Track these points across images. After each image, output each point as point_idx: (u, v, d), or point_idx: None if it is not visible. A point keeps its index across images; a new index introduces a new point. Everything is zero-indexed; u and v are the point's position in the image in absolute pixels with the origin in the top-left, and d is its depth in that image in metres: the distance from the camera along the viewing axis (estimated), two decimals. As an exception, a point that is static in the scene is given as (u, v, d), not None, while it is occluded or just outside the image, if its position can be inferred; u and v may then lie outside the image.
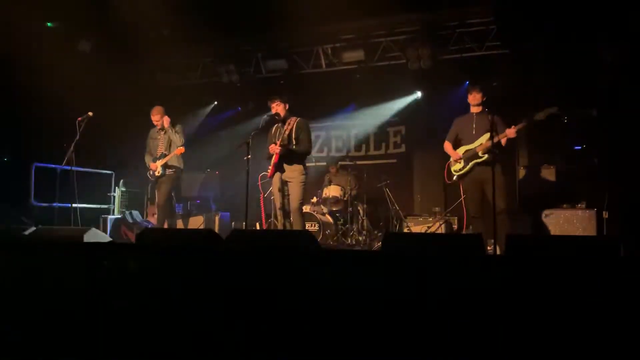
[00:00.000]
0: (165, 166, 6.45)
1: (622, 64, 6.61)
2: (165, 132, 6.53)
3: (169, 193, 6.52)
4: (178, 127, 6.53)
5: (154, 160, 6.51)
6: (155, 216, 6.78)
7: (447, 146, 5.75)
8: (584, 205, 6.25)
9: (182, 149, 6.35)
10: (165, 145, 6.51)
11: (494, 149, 5.04)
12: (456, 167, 5.64)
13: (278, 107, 5.73)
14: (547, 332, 2.22)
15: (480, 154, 5.39)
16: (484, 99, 5.47)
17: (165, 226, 6.47)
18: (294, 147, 5.62)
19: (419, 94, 8.87)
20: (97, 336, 3.08)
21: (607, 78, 6.79)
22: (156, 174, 6.45)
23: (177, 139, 6.42)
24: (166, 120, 6.46)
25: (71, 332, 3.16)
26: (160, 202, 6.53)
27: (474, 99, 5.52)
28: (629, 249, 2.55)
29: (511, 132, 5.18)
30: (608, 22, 6.35)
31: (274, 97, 5.77)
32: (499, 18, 7.07)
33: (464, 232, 6.83)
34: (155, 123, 6.55)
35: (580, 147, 7.16)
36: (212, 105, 9.86)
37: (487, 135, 5.31)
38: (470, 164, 5.47)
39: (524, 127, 5.25)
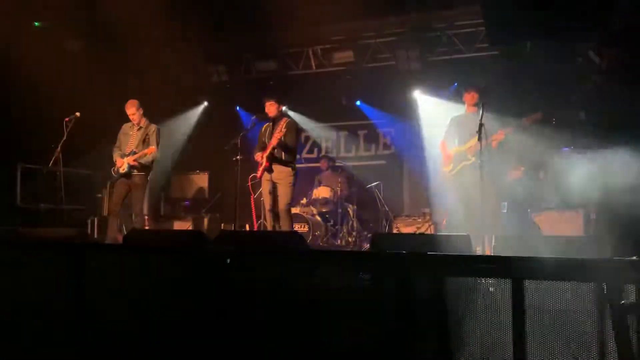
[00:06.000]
0: (131, 165, 6.00)
1: (611, 66, 6.66)
2: (139, 129, 6.15)
3: (144, 198, 6.21)
4: (154, 128, 6.21)
5: (122, 157, 6.07)
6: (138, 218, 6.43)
7: (442, 145, 5.78)
8: (571, 206, 6.29)
9: (153, 149, 5.94)
10: (137, 143, 6.08)
11: (482, 150, 5.05)
12: (446, 169, 5.68)
13: (271, 107, 5.74)
14: (529, 331, 2.23)
15: (468, 156, 5.41)
16: (480, 99, 5.49)
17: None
18: (282, 140, 5.60)
19: (408, 95, 8.88)
20: (84, 335, 3.06)
21: (596, 79, 6.84)
22: (121, 170, 5.98)
23: (154, 140, 6.09)
24: (143, 120, 6.16)
25: (58, 331, 3.14)
26: (137, 210, 6.13)
27: (471, 99, 5.54)
28: (614, 249, 2.57)
29: (499, 137, 5.21)
30: (596, 24, 6.40)
31: (270, 97, 5.77)
32: (487, 20, 7.09)
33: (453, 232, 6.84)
34: (130, 117, 6.15)
35: (568, 149, 7.20)
36: (203, 106, 9.80)
37: (477, 137, 5.33)
38: (459, 165, 5.50)
39: (512, 129, 5.27)
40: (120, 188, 6.10)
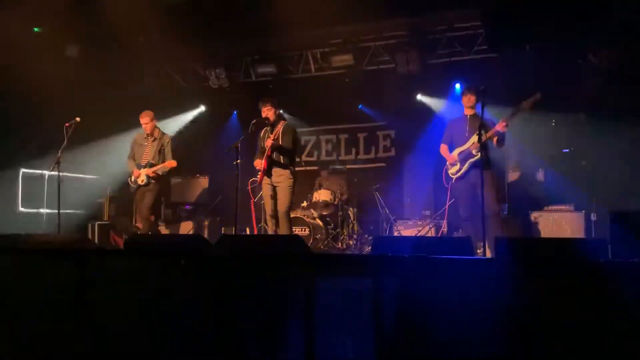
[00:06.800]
0: (150, 176, 6.17)
1: (610, 68, 6.67)
2: (154, 140, 6.26)
3: (154, 203, 6.32)
4: (169, 138, 6.34)
5: (139, 168, 6.20)
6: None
7: (443, 149, 5.76)
8: (572, 208, 6.28)
9: (174, 163, 6.15)
10: (153, 154, 6.19)
11: (483, 148, 5.02)
12: (453, 170, 5.64)
13: (269, 112, 5.73)
14: (535, 333, 2.23)
15: (474, 152, 5.36)
16: (478, 101, 5.48)
17: None
18: (278, 143, 5.61)
19: (408, 98, 8.89)
20: (87, 340, 3.05)
21: (595, 82, 6.85)
22: (139, 182, 6.14)
23: (169, 151, 6.25)
24: (156, 130, 6.30)
25: (62, 337, 3.13)
26: (144, 214, 6.25)
27: (469, 101, 5.53)
28: (616, 251, 2.57)
29: (501, 125, 5.15)
30: (596, 27, 6.41)
31: (266, 101, 5.76)
32: (486, 22, 7.11)
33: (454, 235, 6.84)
34: (143, 127, 6.29)
35: (568, 150, 7.21)
36: (202, 110, 9.81)
37: (477, 136, 5.31)
38: (467, 164, 5.46)
39: (513, 116, 5.20)
40: (140, 197, 6.28)
